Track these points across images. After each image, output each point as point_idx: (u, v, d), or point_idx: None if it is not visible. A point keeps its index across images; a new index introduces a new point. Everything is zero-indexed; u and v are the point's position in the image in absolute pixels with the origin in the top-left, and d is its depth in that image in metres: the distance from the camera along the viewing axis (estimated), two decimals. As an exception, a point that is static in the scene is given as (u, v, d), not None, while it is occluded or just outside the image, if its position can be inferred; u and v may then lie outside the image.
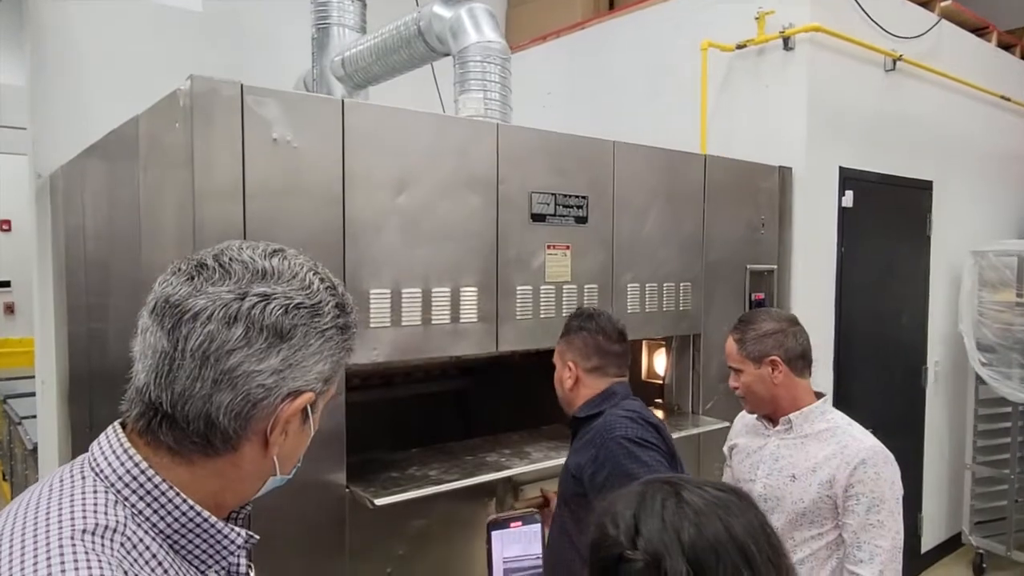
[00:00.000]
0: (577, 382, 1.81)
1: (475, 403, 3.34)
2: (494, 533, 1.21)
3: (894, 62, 3.54)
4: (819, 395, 1.88)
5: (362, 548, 1.90)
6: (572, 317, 1.90)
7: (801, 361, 1.83)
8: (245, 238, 1.66)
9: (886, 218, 3.60)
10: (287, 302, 0.75)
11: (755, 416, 1.93)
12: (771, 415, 1.88)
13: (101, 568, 0.64)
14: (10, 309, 8.12)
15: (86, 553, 0.65)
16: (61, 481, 0.74)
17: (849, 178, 3.33)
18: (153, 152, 1.96)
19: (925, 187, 3.84)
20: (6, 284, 8.05)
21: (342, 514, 1.86)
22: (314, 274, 0.81)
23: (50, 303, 3.47)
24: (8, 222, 7.86)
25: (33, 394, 3.68)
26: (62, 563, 0.63)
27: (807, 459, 1.78)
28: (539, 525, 1.25)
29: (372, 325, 1.89)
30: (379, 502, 1.80)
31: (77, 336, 2.98)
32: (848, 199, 3.32)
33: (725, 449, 2.08)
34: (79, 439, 3.00)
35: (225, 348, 0.72)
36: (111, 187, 2.44)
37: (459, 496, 2.05)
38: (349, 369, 1.82)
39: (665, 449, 1.68)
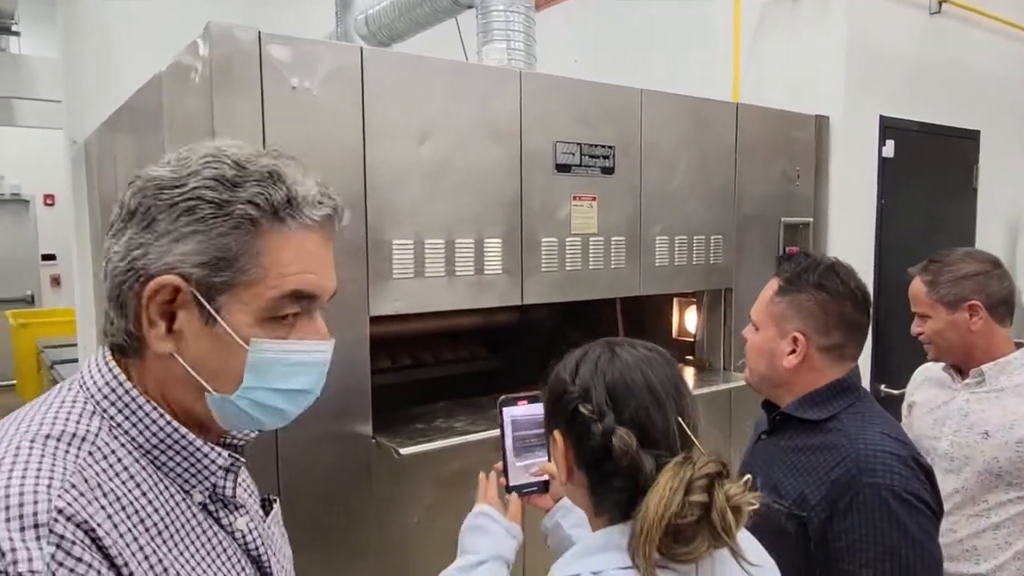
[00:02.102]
0: (803, 363, 1.33)
1: (503, 378, 3.33)
2: (504, 409, 1.33)
3: (939, 4, 3.38)
4: (1019, 345, 1.73)
5: (389, 498, 1.91)
6: (801, 268, 1.37)
7: (1004, 307, 1.69)
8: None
9: (929, 169, 3.46)
10: (144, 183, 0.73)
11: (941, 368, 1.81)
12: (960, 365, 1.75)
13: (52, 471, 0.63)
14: (56, 281, 8.37)
15: (41, 455, 0.65)
16: (54, 393, 0.74)
17: (890, 127, 3.21)
18: (175, 106, 1.96)
19: (971, 137, 3.69)
20: (52, 257, 8.30)
21: (368, 464, 1.87)
22: (207, 154, 0.74)
23: (89, 273, 3.55)
24: (52, 197, 8.07)
25: (77, 360, 3.80)
26: (14, 461, 0.63)
27: (1004, 415, 1.65)
28: (541, 404, 1.31)
29: (395, 276, 1.88)
30: (404, 451, 1.81)
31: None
32: (889, 149, 3.20)
33: (904, 408, 1.92)
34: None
35: (105, 233, 0.74)
36: (138, 148, 2.47)
37: (486, 447, 2.03)
38: (374, 329, 1.83)
39: (936, 507, 1.24)
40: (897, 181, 3.26)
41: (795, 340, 1.34)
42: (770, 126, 2.81)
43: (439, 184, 1.95)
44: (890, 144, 3.21)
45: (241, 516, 0.80)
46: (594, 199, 2.26)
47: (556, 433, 1.00)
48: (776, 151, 2.83)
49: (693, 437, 0.93)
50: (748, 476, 0.90)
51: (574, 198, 2.22)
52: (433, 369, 3.14)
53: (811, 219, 2.96)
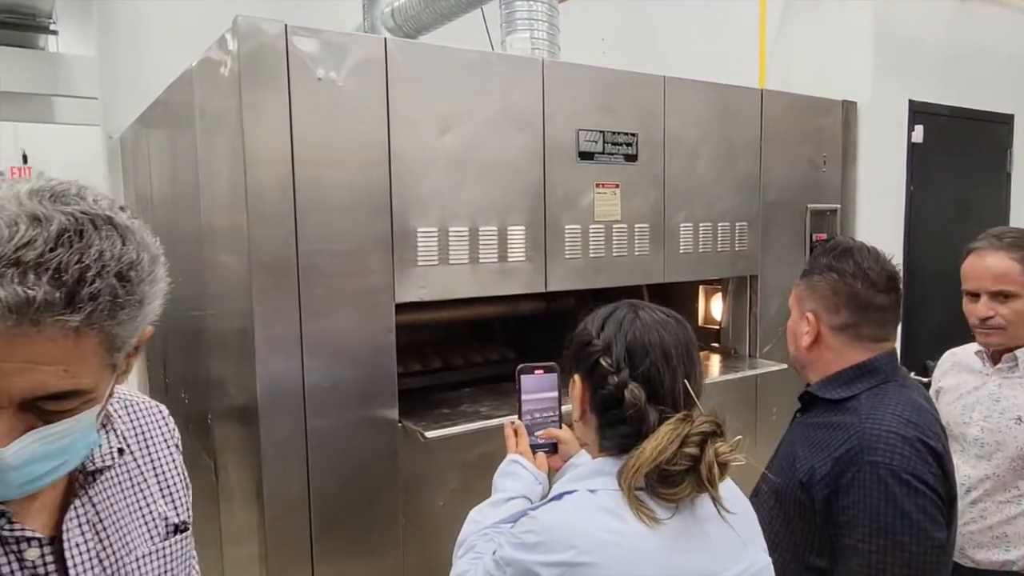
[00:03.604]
0: (818, 341, 1.37)
1: (540, 348, 3.33)
2: (522, 377, 1.46)
3: (970, -13, 3.31)
4: None
5: (415, 481, 1.94)
6: (821, 251, 1.43)
7: None
8: (293, 177, 1.70)
9: (960, 155, 3.39)
10: None
11: (973, 352, 1.77)
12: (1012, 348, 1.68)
13: None
14: (94, 275, 8.51)
15: None
16: None
17: (919, 112, 3.15)
18: (206, 99, 2.00)
19: (1005, 121, 3.60)
20: (89, 251, 8.44)
21: (395, 448, 1.89)
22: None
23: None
24: (89, 193, 8.21)
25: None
26: None
27: None
28: (556, 374, 1.47)
29: (420, 264, 1.90)
30: (430, 435, 1.83)
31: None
32: (918, 134, 3.14)
33: (931, 393, 1.86)
34: (156, 392, 3.15)
35: None
36: (171, 142, 2.52)
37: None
38: (402, 313, 1.85)
39: (944, 492, 1.23)
40: (926, 167, 3.20)
41: (808, 320, 1.39)
42: (796, 112, 2.78)
43: (463, 173, 1.96)
44: (919, 129, 3.15)
45: (31, 548, 0.78)
46: (617, 186, 2.26)
47: (576, 377, 1.12)
48: (803, 137, 2.80)
49: (696, 398, 1.04)
50: (740, 437, 1.01)
51: (597, 186, 2.22)
52: (462, 372, 3.13)
53: (838, 205, 2.92)
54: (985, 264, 1.67)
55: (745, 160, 2.61)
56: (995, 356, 1.74)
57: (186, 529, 0.96)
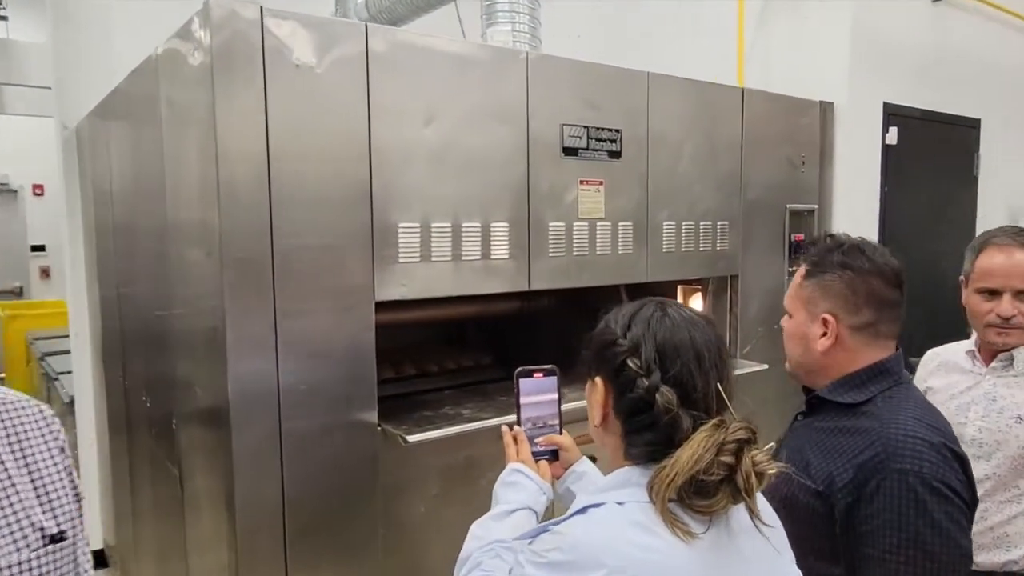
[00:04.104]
0: (836, 345, 1.29)
1: (517, 350, 3.27)
2: (521, 380, 1.39)
3: (942, -9, 3.35)
4: None
5: (395, 487, 1.87)
6: (824, 248, 1.35)
7: None
8: (268, 168, 1.62)
9: (931, 157, 3.44)
10: None
11: (964, 351, 1.75)
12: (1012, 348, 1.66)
13: None
14: (46, 273, 8.24)
15: None
16: None
17: (893, 114, 3.18)
18: (173, 88, 1.90)
19: (972, 125, 3.67)
20: (41, 248, 8.16)
21: (374, 453, 1.82)
22: None
23: (81, 263, 3.47)
24: (41, 186, 7.93)
25: (69, 351, 3.71)
26: None
27: None
28: (555, 378, 1.41)
29: (401, 260, 1.83)
30: (412, 439, 1.76)
31: (108, 300, 2.98)
32: (892, 136, 3.17)
33: None
34: (114, 396, 3.02)
35: None
36: (134, 135, 2.40)
37: (493, 435, 1.97)
38: (380, 313, 1.79)
39: (968, 497, 1.19)
40: (900, 168, 3.23)
41: (825, 322, 1.31)
42: (775, 112, 2.77)
43: (446, 166, 1.90)
44: (893, 131, 3.18)
45: None
46: (601, 183, 2.21)
47: (597, 379, 1.04)
48: (782, 137, 2.79)
49: (728, 402, 0.98)
50: (772, 444, 0.96)
51: (581, 182, 2.17)
52: (436, 379, 3.05)
53: (816, 206, 2.93)
54: (1014, 261, 1.61)
55: (726, 159, 2.59)
56: (986, 356, 1.73)
57: (64, 539, 0.89)
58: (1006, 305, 1.62)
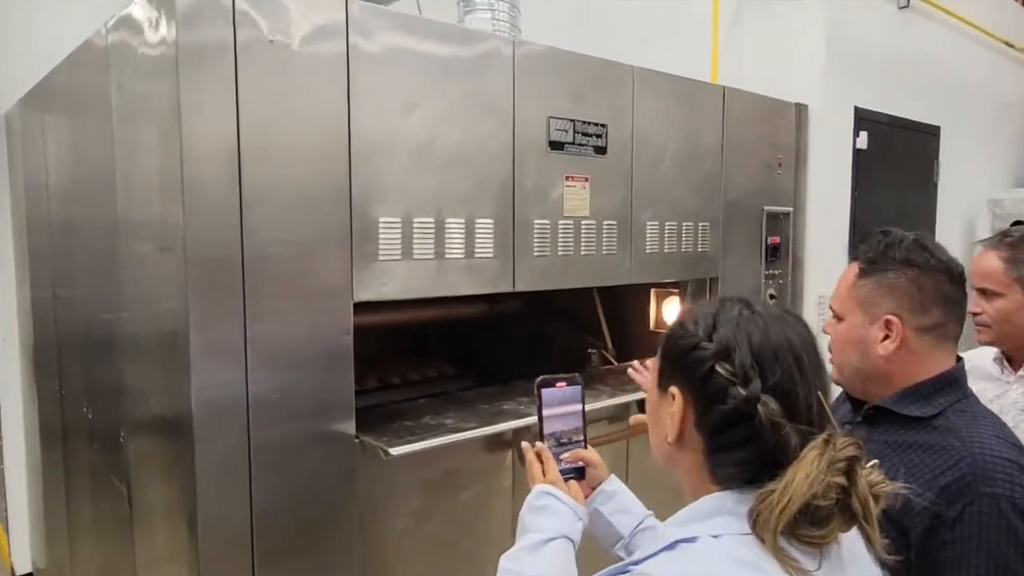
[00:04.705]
0: (901, 349, 1.19)
1: (485, 355, 3.17)
2: (543, 391, 1.28)
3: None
4: None
5: (373, 503, 1.74)
6: (882, 244, 1.24)
7: None
8: (239, 158, 1.48)
9: (897, 163, 3.48)
10: None
11: (992, 359, 1.71)
12: (1012, 353, 1.65)
13: None
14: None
15: None
16: None
17: (864, 119, 3.20)
18: (127, 65, 1.72)
19: (933, 132, 3.73)
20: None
21: (351, 466, 1.69)
22: None
23: (10, 260, 3.20)
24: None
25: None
26: None
27: None
28: (580, 387, 1.31)
29: (381, 258, 1.70)
30: (394, 452, 1.64)
31: (42, 301, 2.74)
32: (863, 140, 3.19)
33: None
34: (47, 406, 2.78)
35: None
36: (76, 121, 2.20)
37: (476, 447, 1.91)
38: (358, 312, 1.67)
39: None
40: (870, 173, 3.25)
41: (888, 324, 1.20)
42: (754, 112, 2.74)
43: (429, 158, 1.78)
44: (864, 135, 3.19)
45: None
46: (587, 180, 2.13)
47: (674, 390, 0.90)
48: (760, 138, 2.76)
49: (830, 413, 0.86)
50: (876, 461, 0.83)
51: (567, 178, 2.08)
52: (406, 390, 2.92)
53: (791, 208, 2.91)
54: (976, 261, 1.67)
55: (708, 158, 2.55)
56: (1014, 363, 1.71)
57: None
58: (972, 305, 1.66)
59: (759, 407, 0.82)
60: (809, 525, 0.78)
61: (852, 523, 0.79)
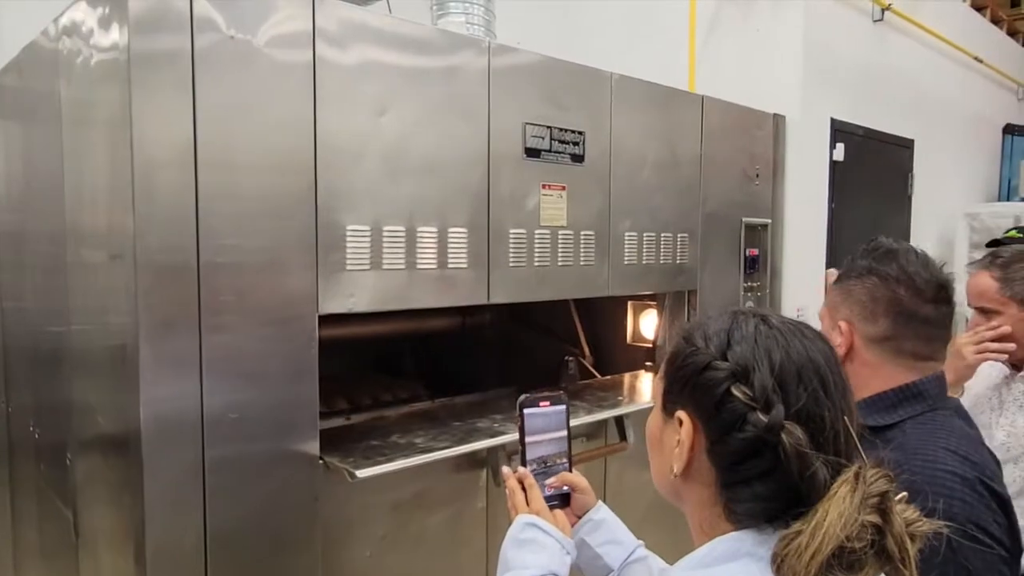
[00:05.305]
0: (851, 355, 1.20)
1: (458, 368, 3.08)
2: (526, 411, 1.20)
3: (882, 12, 3.39)
4: None
5: (337, 528, 1.64)
6: (861, 252, 1.27)
7: None
8: (195, 161, 1.39)
9: (872, 175, 3.48)
10: None
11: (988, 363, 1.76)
12: (1020, 363, 1.72)
13: None
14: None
15: None
16: None
17: (840, 131, 3.19)
18: (76, 69, 1.62)
19: (907, 145, 3.74)
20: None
21: (315, 489, 1.59)
22: None
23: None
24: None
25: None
26: None
27: None
28: (565, 406, 1.23)
29: (349, 267, 1.62)
30: (360, 474, 1.54)
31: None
32: (839, 152, 3.18)
33: None
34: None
35: None
36: (21, 127, 2.08)
37: (448, 467, 1.82)
38: (323, 325, 1.58)
39: (1009, 543, 1.07)
40: (846, 185, 3.24)
41: (840, 329, 1.21)
42: (733, 122, 2.71)
43: (400, 163, 1.71)
44: (840, 147, 3.19)
45: None
46: (564, 188, 2.07)
47: (682, 415, 0.82)
48: (738, 149, 2.73)
49: (857, 441, 0.78)
50: (905, 493, 0.75)
51: (543, 186, 2.02)
52: (373, 410, 2.82)
53: (769, 220, 2.88)
54: (970, 282, 1.74)
55: (687, 167, 2.51)
56: (1016, 364, 1.77)
57: None
58: (971, 325, 1.74)
59: (783, 435, 0.74)
60: (840, 570, 0.70)
61: (886, 567, 0.71)
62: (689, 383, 0.82)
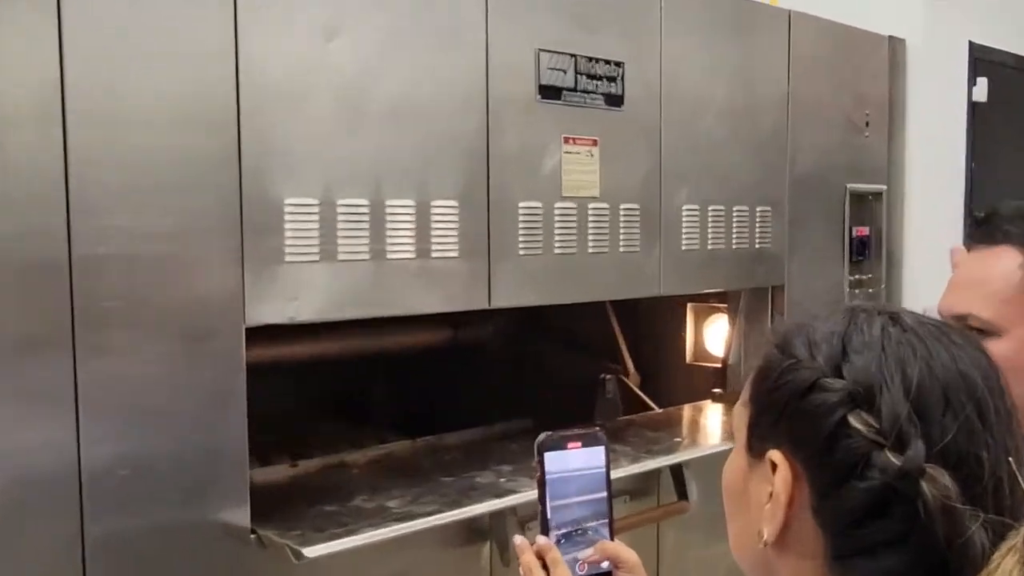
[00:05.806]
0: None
1: (448, 402, 3.04)
2: (547, 456, 1.21)
3: None
4: None
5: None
6: (997, 218, 1.29)
7: None
8: (64, 109, 1.38)
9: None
10: None
11: None
12: None
13: None
14: None
15: None
16: None
17: (981, 60, 3.21)
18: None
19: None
20: None
21: (243, 574, 1.61)
22: None
23: None
24: None
25: None
26: None
27: None
28: (604, 447, 1.24)
29: (288, 259, 1.60)
30: (309, 552, 1.51)
31: None
32: (981, 90, 3.18)
33: None
34: None
35: None
36: None
37: (434, 541, 1.81)
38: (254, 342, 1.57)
39: None
40: (992, 134, 3.25)
41: None
42: (832, 48, 2.73)
43: (359, 109, 1.70)
44: (982, 83, 3.19)
45: None
46: (594, 143, 2.07)
47: (776, 456, 0.79)
48: (840, 86, 2.75)
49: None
50: None
51: (566, 140, 2.02)
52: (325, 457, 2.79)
53: (884, 186, 2.90)
54: None
55: (767, 114, 2.52)
56: None
57: None
58: None
59: (923, 484, 0.71)
60: None
61: None
62: (787, 410, 0.80)
